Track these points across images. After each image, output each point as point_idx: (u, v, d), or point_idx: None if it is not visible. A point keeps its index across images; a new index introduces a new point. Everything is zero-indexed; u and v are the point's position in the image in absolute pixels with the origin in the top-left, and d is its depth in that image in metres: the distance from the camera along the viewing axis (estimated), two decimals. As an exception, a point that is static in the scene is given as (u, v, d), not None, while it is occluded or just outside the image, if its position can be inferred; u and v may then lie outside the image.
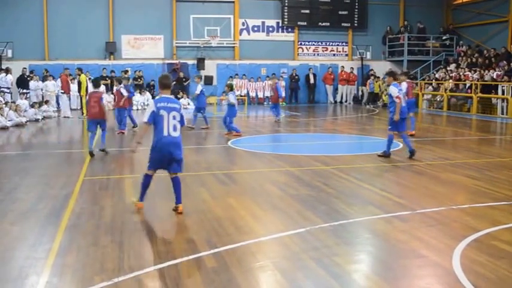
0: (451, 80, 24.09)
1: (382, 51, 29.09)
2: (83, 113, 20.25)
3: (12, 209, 6.79)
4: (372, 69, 28.10)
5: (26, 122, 17.23)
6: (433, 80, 25.58)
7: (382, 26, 28.75)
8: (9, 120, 16.31)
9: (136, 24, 25.79)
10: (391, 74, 11.26)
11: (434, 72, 26.66)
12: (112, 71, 24.39)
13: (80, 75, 20.61)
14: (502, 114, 20.33)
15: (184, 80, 25.38)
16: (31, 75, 22.96)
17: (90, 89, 21.30)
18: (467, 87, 22.83)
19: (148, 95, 24.04)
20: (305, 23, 27.95)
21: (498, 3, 25.89)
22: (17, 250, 5.28)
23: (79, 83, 20.80)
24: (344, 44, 28.94)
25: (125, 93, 14.76)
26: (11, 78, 22.09)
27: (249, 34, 27.55)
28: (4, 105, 16.86)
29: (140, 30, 25.98)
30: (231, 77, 26.59)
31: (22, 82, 22.40)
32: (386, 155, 10.64)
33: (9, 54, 24.27)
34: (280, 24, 27.73)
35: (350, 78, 28.16)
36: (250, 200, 7.37)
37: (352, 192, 7.91)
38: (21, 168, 9.66)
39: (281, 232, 5.81)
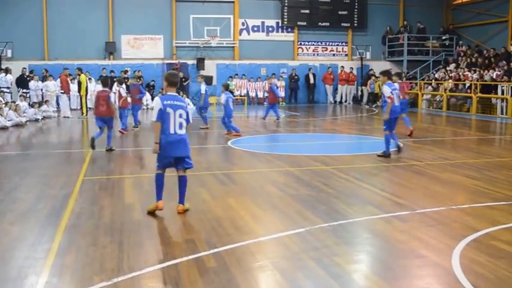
0: (450, 80, 24.10)
1: (381, 51, 29.10)
2: (82, 113, 20.27)
3: (12, 209, 6.79)
4: (371, 69, 28.08)
5: (25, 122, 17.25)
6: (433, 80, 25.59)
7: (381, 26, 28.76)
8: (9, 120, 16.31)
9: (136, 24, 25.81)
10: (385, 73, 11.13)
11: (434, 72, 26.67)
12: (112, 71, 24.40)
13: (79, 75, 20.64)
14: (502, 114, 20.34)
15: (184, 80, 25.37)
16: (31, 75, 22.97)
17: (92, 88, 21.57)
18: (466, 87, 22.84)
19: (148, 95, 24.00)
20: (305, 23, 27.95)
21: (498, 3, 25.90)
22: (17, 250, 5.27)
23: (79, 83, 20.83)
24: (344, 44, 28.94)
25: (124, 94, 15.01)
26: (11, 78, 22.11)
27: (248, 34, 27.55)
28: (4, 105, 16.86)
29: (140, 30, 25.99)
30: (230, 77, 26.61)
31: (22, 82, 22.42)
32: (386, 155, 10.65)
33: (9, 54, 24.29)
34: (280, 24, 27.73)
35: (350, 78, 28.17)
36: (250, 200, 7.37)
37: (352, 192, 7.91)
38: (21, 168, 9.66)
39: (281, 232, 5.81)
